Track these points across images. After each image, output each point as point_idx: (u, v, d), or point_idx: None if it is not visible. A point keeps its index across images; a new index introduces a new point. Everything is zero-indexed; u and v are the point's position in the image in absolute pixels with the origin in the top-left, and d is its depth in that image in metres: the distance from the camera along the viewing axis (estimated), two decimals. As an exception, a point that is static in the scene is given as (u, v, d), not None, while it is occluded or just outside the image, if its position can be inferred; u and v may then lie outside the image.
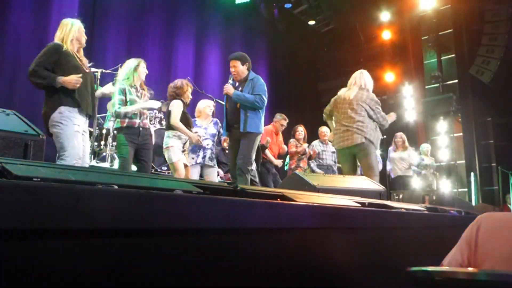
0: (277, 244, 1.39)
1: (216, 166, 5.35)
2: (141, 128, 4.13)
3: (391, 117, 4.75)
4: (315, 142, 6.99)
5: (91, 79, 3.70)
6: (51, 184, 0.88)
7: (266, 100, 4.40)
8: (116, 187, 1.07)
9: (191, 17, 9.31)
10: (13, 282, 0.77)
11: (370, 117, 4.59)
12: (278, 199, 1.62)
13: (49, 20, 6.26)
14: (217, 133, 5.33)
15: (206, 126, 5.26)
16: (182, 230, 1.09)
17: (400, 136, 7.52)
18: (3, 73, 6.06)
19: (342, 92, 4.78)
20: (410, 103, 10.48)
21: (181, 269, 1.08)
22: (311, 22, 11.37)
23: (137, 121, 4.12)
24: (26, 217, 0.78)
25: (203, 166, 5.11)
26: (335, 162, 6.85)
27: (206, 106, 5.39)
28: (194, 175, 5.01)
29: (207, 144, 5.13)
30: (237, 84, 4.46)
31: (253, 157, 4.46)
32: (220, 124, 5.41)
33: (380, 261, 1.84)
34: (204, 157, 5.06)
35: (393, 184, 7.41)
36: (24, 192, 0.79)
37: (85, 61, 3.70)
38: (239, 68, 4.42)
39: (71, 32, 3.53)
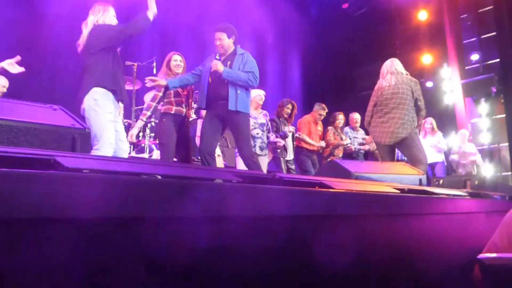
0: (315, 231, 1.39)
1: (267, 155, 5.30)
2: (186, 119, 4.18)
3: None
4: (346, 129, 6.92)
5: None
6: (99, 175, 0.92)
7: (258, 78, 3.95)
8: (159, 177, 1.11)
9: (222, 5, 9.31)
10: (76, 270, 0.81)
11: (412, 102, 4.46)
12: (317, 187, 1.62)
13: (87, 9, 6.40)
14: (266, 124, 5.27)
15: (256, 116, 5.16)
16: (223, 218, 1.12)
17: (430, 121, 7.20)
18: (45, 67, 6.25)
19: (380, 84, 4.61)
20: (449, 86, 10.12)
21: (222, 255, 1.11)
22: (344, 6, 11.13)
23: (184, 110, 4.16)
24: (79, 207, 0.82)
25: None
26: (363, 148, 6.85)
27: (257, 95, 5.20)
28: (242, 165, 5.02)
29: (257, 134, 5.09)
30: (222, 59, 3.92)
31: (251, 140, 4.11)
32: (269, 116, 5.34)
33: (421, 248, 1.81)
34: (254, 146, 5.02)
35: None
36: (76, 183, 0.83)
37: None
38: (225, 41, 3.92)
39: (105, 18, 3.40)
